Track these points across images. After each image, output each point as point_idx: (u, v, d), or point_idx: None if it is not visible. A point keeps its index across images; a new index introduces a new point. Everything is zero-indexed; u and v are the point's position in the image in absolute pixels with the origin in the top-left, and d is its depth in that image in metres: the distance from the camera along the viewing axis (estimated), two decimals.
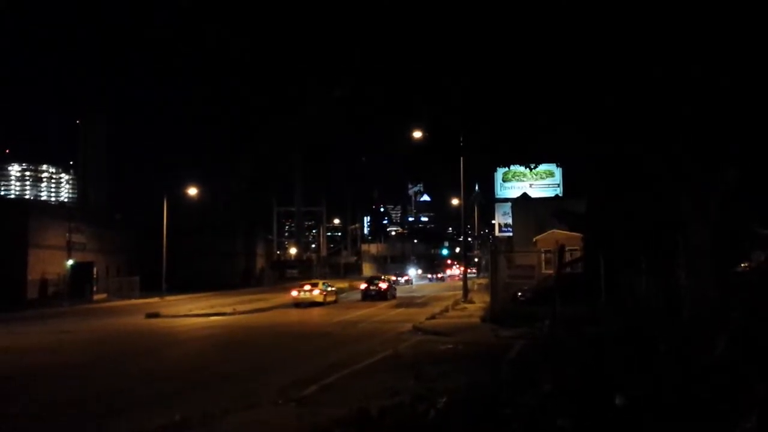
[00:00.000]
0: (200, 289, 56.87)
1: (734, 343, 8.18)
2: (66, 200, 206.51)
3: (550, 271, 24.73)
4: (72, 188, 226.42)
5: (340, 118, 12.37)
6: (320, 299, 40.84)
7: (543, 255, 29.84)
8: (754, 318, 9.00)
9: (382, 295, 45.84)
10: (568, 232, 29.55)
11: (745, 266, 14.67)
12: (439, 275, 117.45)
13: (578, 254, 25.51)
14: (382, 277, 56.25)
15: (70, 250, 52.96)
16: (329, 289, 43.88)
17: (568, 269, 22.34)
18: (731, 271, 12.66)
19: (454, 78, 11.03)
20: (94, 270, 53.28)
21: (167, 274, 53.00)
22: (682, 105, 10.52)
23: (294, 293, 41.58)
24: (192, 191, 62.57)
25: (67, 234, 53.21)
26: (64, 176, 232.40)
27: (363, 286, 49.11)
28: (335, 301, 43.26)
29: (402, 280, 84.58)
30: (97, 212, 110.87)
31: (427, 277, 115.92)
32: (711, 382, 7.18)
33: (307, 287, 42.16)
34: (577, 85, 10.88)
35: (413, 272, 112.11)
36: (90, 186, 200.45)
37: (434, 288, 71.23)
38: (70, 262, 52.53)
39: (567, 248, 24.55)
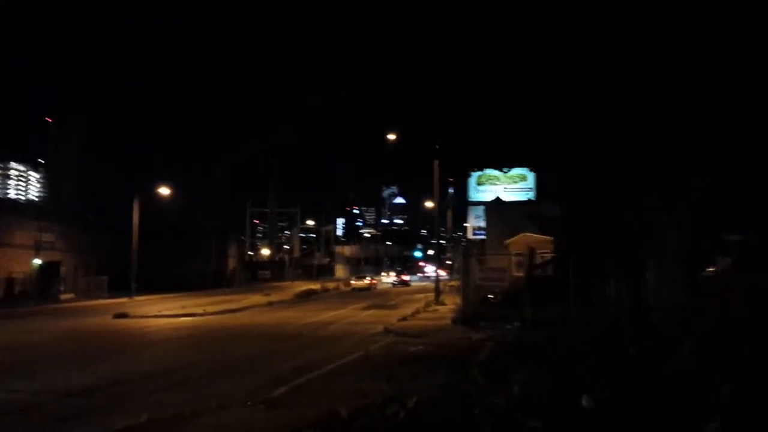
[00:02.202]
0: (170, 289, 56.29)
1: (700, 346, 8.29)
2: (36, 199, 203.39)
3: (521, 274, 24.86)
4: (42, 187, 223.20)
5: (316, 122, 12.32)
6: (368, 286, 69.36)
7: (514, 258, 29.96)
8: (720, 322, 9.14)
9: (405, 283, 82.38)
10: (539, 236, 29.72)
11: (711, 271, 14.87)
12: (427, 274, 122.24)
13: (549, 258, 25.67)
14: (404, 273, 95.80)
15: (38, 249, 52.12)
16: (372, 281, 74.20)
17: (539, 271, 22.49)
18: (699, 276, 12.85)
19: (430, 91, 11.11)
20: (62, 269, 52.48)
21: (137, 275, 52.39)
22: (655, 117, 10.70)
23: (352, 282, 74.02)
24: (164, 191, 61.91)
25: (36, 233, 52.36)
26: (34, 174, 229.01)
27: (394, 280, 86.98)
28: (375, 287, 71.63)
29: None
30: (66, 211, 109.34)
31: (417, 275, 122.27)
32: (677, 385, 7.28)
33: (360, 279, 74.98)
34: (551, 98, 11.00)
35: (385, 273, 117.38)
36: (60, 185, 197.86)
37: (416, 287, 73.24)
38: (38, 261, 51.71)
39: (539, 251, 24.72)
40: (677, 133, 11.25)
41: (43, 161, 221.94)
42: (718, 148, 11.96)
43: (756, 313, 7.79)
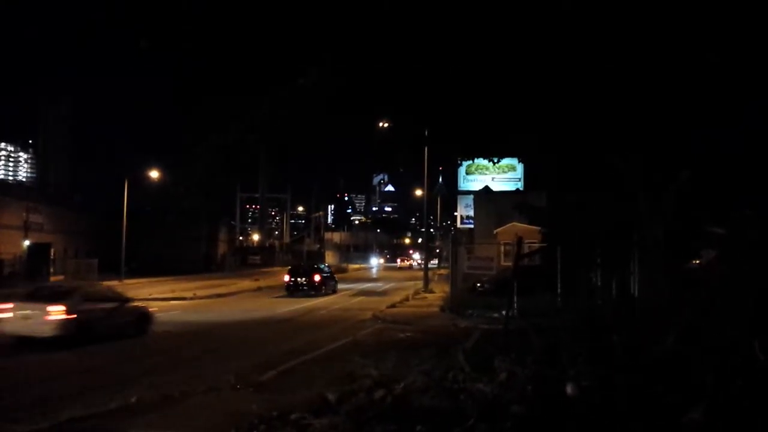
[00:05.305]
0: (160, 273, 56.17)
1: (684, 336, 8.47)
2: (24, 180, 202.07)
3: (509, 263, 25.03)
4: (31, 168, 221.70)
5: (306, 105, 12.37)
6: (409, 266, 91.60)
7: (502, 247, 30.12)
8: (703, 313, 9.32)
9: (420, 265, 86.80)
10: (528, 225, 29.81)
11: (695, 263, 15.09)
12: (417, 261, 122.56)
13: (537, 247, 25.83)
14: (407, 258, 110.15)
15: (27, 230, 51.92)
16: (415, 260, 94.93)
17: (526, 261, 22.66)
18: (683, 267, 13.03)
19: (419, 81, 11.17)
20: (52, 251, 52.29)
21: (127, 258, 52.25)
22: (638, 111, 10.82)
23: (399, 262, 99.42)
24: (154, 174, 61.55)
25: (25, 214, 52.16)
26: (23, 155, 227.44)
27: (409, 262, 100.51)
28: (414, 266, 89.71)
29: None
30: (56, 192, 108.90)
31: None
32: (660, 374, 7.45)
33: (405, 260, 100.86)
34: (537, 92, 11.09)
35: (375, 260, 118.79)
36: (50, 166, 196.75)
37: (406, 275, 73.00)
38: (27, 242, 51.53)
39: (526, 241, 24.81)
40: (658, 130, 11.41)
41: (32, 141, 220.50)
42: (694, 145, 12.16)
43: (734, 303, 7.97)
